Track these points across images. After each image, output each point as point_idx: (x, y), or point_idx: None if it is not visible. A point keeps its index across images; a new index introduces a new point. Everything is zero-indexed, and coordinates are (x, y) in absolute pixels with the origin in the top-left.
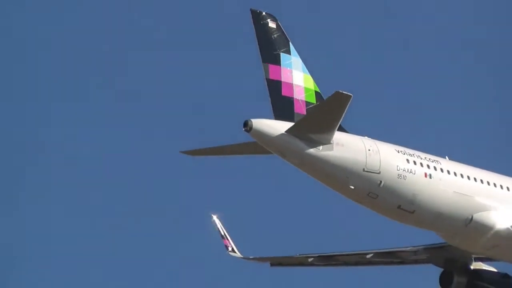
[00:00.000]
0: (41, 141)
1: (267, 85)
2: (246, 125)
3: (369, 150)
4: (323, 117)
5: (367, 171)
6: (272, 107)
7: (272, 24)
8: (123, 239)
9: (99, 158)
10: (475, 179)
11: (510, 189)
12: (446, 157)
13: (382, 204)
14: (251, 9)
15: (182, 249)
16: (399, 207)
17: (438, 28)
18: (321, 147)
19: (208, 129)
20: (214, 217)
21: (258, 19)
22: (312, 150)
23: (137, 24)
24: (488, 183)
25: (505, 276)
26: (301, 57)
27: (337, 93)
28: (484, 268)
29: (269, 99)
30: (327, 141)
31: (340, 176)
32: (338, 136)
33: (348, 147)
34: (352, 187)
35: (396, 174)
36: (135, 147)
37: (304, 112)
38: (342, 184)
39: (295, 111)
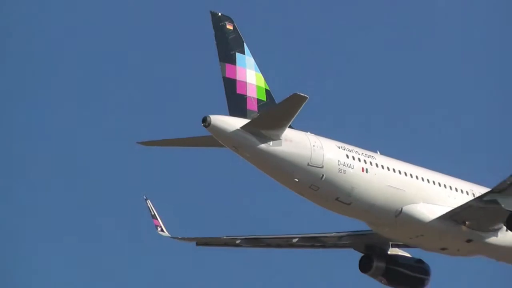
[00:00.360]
0: None
1: (224, 83)
2: (205, 121)
3: (313, 146)
4: (278, 116)
5: (311, 166)
6: (228, 103)
7: (229, 26)
8: (59, 219)
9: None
10: (405, 173)
11: (436, 183)
12: (378, 151)
13: (322, 196)
14: (210, 11)
15: (115, 229)
16: (337, 199)
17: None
18: (271, 143)
19: (167, 123)
20: (147, 200)
21: (216, 21)
22: (263, 146)
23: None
24: (417, 178)
25: (418, 261)
26: (253, 57)
27: (295, 94)
28: (399, 253)
29: (225, 96)
30: (277, 137)
31: (286, 170)
32: (286, 132)
33: (295, 142)
34: (297, 180)
35: (337, 168)
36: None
37: (256, 109)
38: (287, 177)
39: (247, 108)
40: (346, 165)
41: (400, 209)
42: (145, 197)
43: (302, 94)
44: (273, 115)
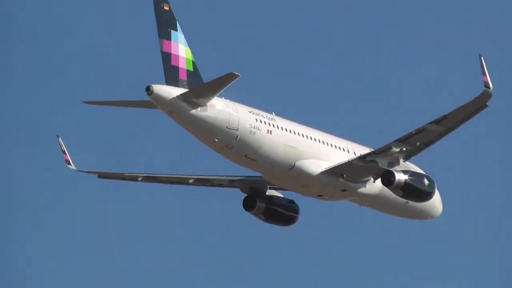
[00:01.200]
0: None
1: (161, 56)
2: (149, 89)
3: (231, 111)
4: (212, 88)
5: (229, 128)
6: (164, 73)
7: (166, 7)
8: None
9: None
10: (299, 133)
11: (322, 142)
12: (273, 112)
13: (235, 153)
14: None
15: (29, 163)
16: (246, 155)
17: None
18: (199, 109)
19: (114, 90)
20: (59, 138)
21: (156, 3)
22: (193, 111)
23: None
24: (308, 137)
25: (291, 201)
26: (184, 33)
27: (231, 73)
28: (275, 194)
29: (162, 67)
30: (204, 104)
31: (209, 131)
32: (211, 100)
33: (217, 109)
34: (216, 140)
35: (248, 130)
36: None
37: (185, 78)
38: (209, 137)
39: (179, 78)
40: (255, 128)
41: (293, 164)
42: (57, 135)
43: (236, 73)
44: (209, 87)
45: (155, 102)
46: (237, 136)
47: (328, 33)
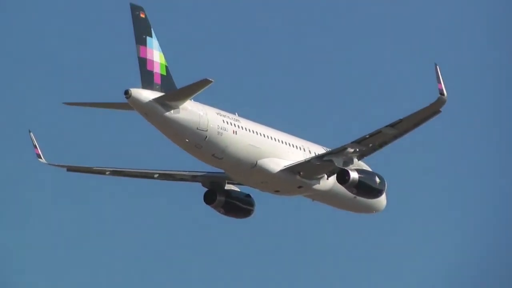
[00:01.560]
0: None
1: (138, 61)
2: (127, 93)
3: (201, 113)
4: (187, 93)
5: (199, 129)
6: (141, 78)
7: (142, 15)
8: None
9: None
10: (261, 134)
11: (283, 142)
12: (236, 113)
13: (203, 153)
14: (130, 4)
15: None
16: (213, 155)
17: None
18: (172, 111)
19: (91, 91)
20: (30, 133)
21: (133, 11)
22: (167, 113)
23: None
24: (269, 137)
25: (247, 195)
26: (157, 39)
27: (205, 79)
28: (233, 188)
29: (139, 72)
30: (177, 107)
31: (181, 132)
32: (184, 103)
33: (188, 111)
34: (187, 140)
35: (216, 131)
36: None
37: (159, 82)
38: (180, 138)
39: (154, 82)
40: (222, 129)
41: (255, 162)
42: (29, 130)
43: (210, 79)
44: (184, 92)
45: (132, 105)
46: (206, 137)
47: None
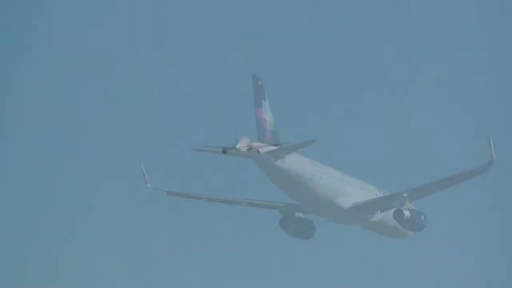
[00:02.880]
0: None
1: (256, 120)
2: (251, 148)
3: (300, 163)
4: (293, 148)
5: (298, 175)
6: (257, 133)
7: (259, 83)
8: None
9: None
10: (335, 177)
11: (351, 184)
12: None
13: (297, 192)
14: (252, 74)
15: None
16: (303, 194)
17: None
18: (279, 161)
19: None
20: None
21: (255, 80)
22: (276, 162)
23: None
24: (341, 180)
25: (311, 222)
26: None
27: (312, 140)
28: (301, 216)
29: (256, 128)
30: (283, 157)
31: (284, 177)
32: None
33: (289, 161)
34: (287, 184)
35: (310, 176)
36: None
37: (270, 138)
38: (283, 181)
39: (266, 137)
40: (313, 175)
41: (332, 200)
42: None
43: (315, 140)
44: (292, 148)
45: (251, 157)
46: (302, 181)
47: None
